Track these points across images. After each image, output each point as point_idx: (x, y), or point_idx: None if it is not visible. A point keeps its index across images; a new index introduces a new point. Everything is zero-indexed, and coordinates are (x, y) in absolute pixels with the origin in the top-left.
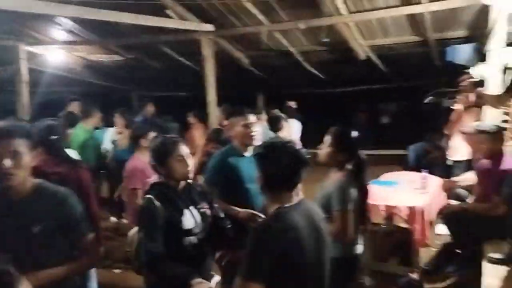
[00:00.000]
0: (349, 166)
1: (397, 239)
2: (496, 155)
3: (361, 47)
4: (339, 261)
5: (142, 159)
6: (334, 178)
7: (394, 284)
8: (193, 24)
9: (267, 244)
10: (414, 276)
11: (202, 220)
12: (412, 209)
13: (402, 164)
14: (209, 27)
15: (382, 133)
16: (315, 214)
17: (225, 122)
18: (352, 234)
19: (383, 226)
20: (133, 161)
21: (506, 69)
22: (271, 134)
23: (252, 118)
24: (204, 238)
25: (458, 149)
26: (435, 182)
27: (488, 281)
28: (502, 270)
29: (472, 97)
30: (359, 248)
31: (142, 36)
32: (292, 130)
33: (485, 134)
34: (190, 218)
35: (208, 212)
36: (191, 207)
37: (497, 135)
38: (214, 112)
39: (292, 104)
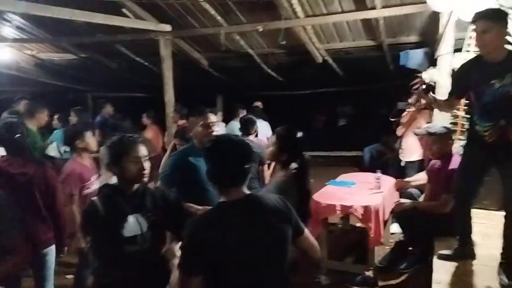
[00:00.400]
0: (292, 166)
1: (352, 238)
2: (445, 156)
3: (318, 50)
4: None
5: (80, 162)
6: (276, 175)
7: (350, 282)
8: (150, 24)
9: (202, 238)
10: (369, 273)
11: (150, 229)
12: (367, 209)
13: (358, 165)
14: (167, 27)
15: (339, 135)
16: (264, 209)
17: (180, 122)
18: None
19: (339, 226)
20: (70, 164)
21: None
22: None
23: (212, 117)
24: (151, 248)
25: (410, 150)
26: (388, 182)
27: (437, 276)
28: (450, 266)
29: (423, 100)
30: None
31: (97, 35)
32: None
33: (434, 136)
34: (135, 225)
35: (159, 219)
36: (139, 214)
37: (445, 136)
38: (172, 113)
39: (259, 104)
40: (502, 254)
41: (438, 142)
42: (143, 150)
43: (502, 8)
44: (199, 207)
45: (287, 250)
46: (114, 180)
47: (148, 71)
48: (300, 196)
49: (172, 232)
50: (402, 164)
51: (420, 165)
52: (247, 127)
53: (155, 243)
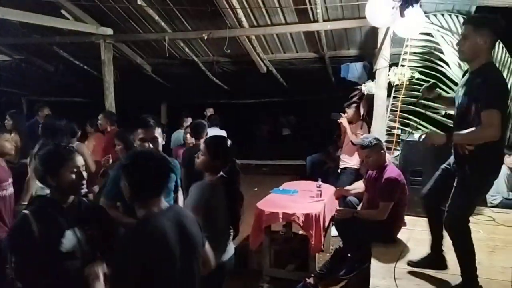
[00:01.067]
0: (222, 173)
1: (294, 246)
2: (379, 166)
3: (263, 60)
4: None
5: None
6: (204, 180)
7: None
8: (90, 27)
9: (133, 250)
10: (310, 280)
11: (88, 242)
12: (308, 216)
13: (301, 174)
14: (108, 30)
15: (282, 144)
16: (186, 219)
17: (109, 129)
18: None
19: (282, 234)
20: None
21: (391, 86)
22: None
23: (156, 131)
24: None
25: (346, 158)
26: (329, 190)
27: (374, 281)
28: (387, 271)
29: (361, 111)
30: (228, 254)
31: (34, 36)
32: None
33: (367, 149)
34: (73, 239)
35: (97, 232)
36: (76, 227)
37: (377, 148)
38: None
39: (211, 111)
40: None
41: (371, 154)
42: (81, 160)
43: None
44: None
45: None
46: (45, 191)
47: (89, 75)
48: (229, 202)
49: (100, 248)
50: (340, 172)
51: (356, 173)
52: (198, 131)
53: (95, 257)
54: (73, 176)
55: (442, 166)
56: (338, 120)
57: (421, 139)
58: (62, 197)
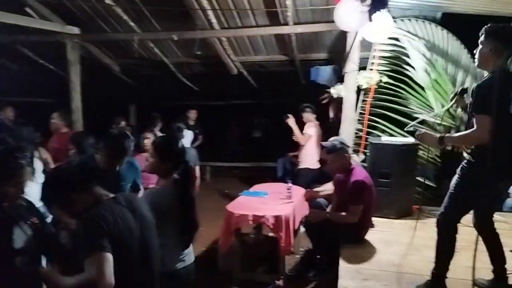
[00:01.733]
0: (174, 175)
1: (264, 248)
2: (345, 169)
3: (233, 62)
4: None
5: None
6: (158, 185)
7: None
8: (56, 25)
9: (98, 224)
10: (280, 282)
11: (34, 237)
12: (278, 218)
13: (272, 176)
14: (75, 29)
15: (253, 146)
16: (137, 204)
17: (63, 130)
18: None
19: (251, 236)
20: None
21: (359, 90)
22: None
23: None
24: (37, 257)
25: (303, 159)
26: (299, 192)
27: (343, 282)
28: (355, 272)
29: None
30: (183, 263)
31: None
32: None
33: (332, 154)
34: (21, 236)
35: (39, 226)
36: (21, 223)
37: (342, 151)
38: (79, 120)
39: (194, 113)
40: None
41: (336, 159)
42: (28, 173)
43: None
44: None
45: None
46: None
47: (55, 75)
48: (182, 206)
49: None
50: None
51: (313, 173)
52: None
53: (40, 251)
54: (14, 189)
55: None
56: (286, 121)
57: (416, 137)
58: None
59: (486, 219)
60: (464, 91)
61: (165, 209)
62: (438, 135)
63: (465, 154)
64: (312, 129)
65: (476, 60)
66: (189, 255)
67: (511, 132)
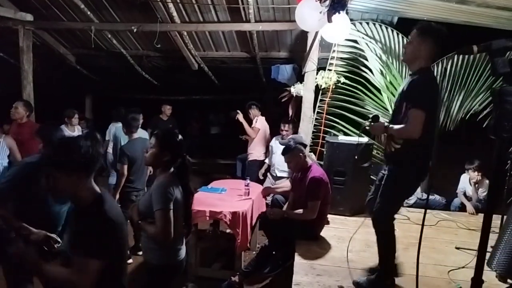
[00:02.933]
0: (173, 168)
1: (221, 244)
2: (302, 168)
3: (194, 57)
4: (163, 268)
5: None
6: (158, 178)
7: None
8: (8, 11)
9: (100, 225)
10: (235, 278)
11: None
12: (235, 215)
13: (230, 173)
14: (28, 16)
15: (212, 143)
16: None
17: (24, 120)
18: (172, 235)
19: (208, 232)
20: None
21: (318, 89)
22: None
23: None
24: None
25: (254, 150)
26: (257, 189)
27: (297, 278)
28: (308, 268)
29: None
30: (183, 254)
31: None
32: None
33: (286, 155)
34: None
35: None
36: None
37: (296, 151)
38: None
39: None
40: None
41: (291, 158)
42: None
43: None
44: (33, 230)
45: None
46: None
47: (4, 63)
48: (183, 199)
49: None
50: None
51: (259, 163)
52: (131, 126)
53: None
54: None
55: (380, 172)
56: (236, 118)
57: (367, 127)
58: None
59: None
60: (376, 117)
61: (179, 200)
62: (385, 123)
63: (385, 150)
64: (259, 123)
65: (405, 54)
66: (184, 247)
67: (433, 135)
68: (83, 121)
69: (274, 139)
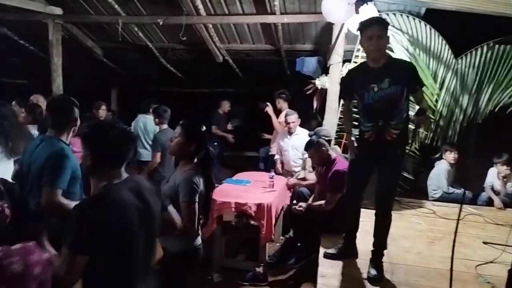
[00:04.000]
0: (197, 158)
1: (245, 236)
2: (326, 162)
3: (219, 50)
4: (180, 255)
5: None
6: (183, 169)
7: (241, 279)
8: (38, 5)
9: (93, 218)
10: (260, 269)
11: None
12: (260, 206)
13: (254, 165)
14: (57, 10)
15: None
16: (145, 188)
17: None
18: (197, 226)
19: (233, 224)
20: None
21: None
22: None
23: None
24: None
25: (272, 145)
26: (281, 181)
27: (322, 270)
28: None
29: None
30: (199, 241)
31: None
32: None
33: (309, 151)
34: None
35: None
36: None
37: (318, 146)
38: None
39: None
40: (372, 251)
41: (314, 153)
42: None
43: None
44: None
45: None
46: None
47: (35, 56)
48: (205, 189)
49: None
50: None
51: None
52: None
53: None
54: None
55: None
56: (265, 110)
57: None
58: None
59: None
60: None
61: (203, 192)
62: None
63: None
64: (282, 117)
65: (380, 50)
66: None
67: None
68: (109, 113)
69: (280, 135)
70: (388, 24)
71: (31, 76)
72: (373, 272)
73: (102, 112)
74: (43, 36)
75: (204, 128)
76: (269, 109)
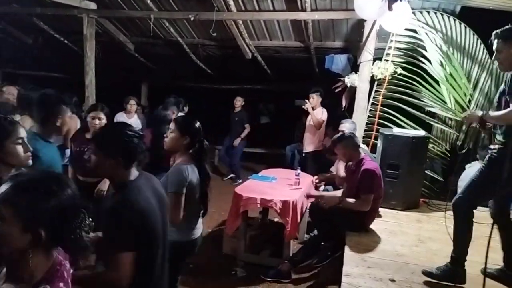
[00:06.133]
0: (191, 151)
1: (270, 232)
2: (354, 159)
3: (248, 46)
4: (175, 246)
5: None
6: (176, 161)
7: (265, 275)
8: (73, 0)
9: (127, 215)
10: (283, 266)
11: None
12: (285, 203)
13: (279, 163)
14: (92, 5)
15: (261, 132)
16: (156, 182)
17: None
18: (182, 217)
19: (258, 220)
20: None
21: (373, 80)
22: None
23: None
24: None
25: (307, 142)
26: (307, 179)
27: (347, 269)
28: (359, 259)
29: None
30: (198, 233)
31: (13, 5)
32: None
33: (339, 144)
34: None
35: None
36: None
37: (348, 142)
38: (92, 96)
39: (239, 101)
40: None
41: (344, 148)
42: (23, 132)
43: None
44: None
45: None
46: None
47: (68, 50)
48: (200, 182)
49: None
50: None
51: (316, 155)
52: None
53: None
54: (20, 147)
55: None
56: (303, 106)
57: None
58: (6, 170)
59: (505, 211)
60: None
61: (194, 183)
62: (480, 113)
63: (491, 145)
64: (324, 114)
65: (502, 65)
66: (201, 224)
67: None
68: (139, 107)
69: None
70: (507, 36)
71: (65, 69)
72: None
73: (133, 107)
74: (77, 30)
75: (198, 124)
76: (309, 106)
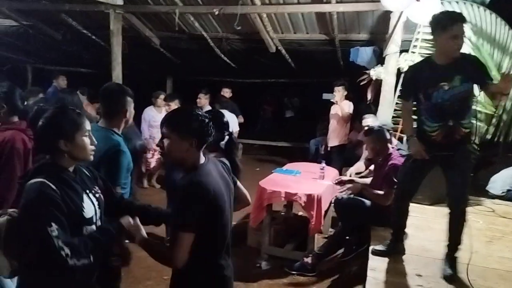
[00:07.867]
0: (221, 145)
1: (294, 226)
2: (382, 153)
3: (272, 40)
4: None
5: None
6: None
7: (289, 268)
8: None
9: (198, 196)
10: (308, 260)
11: (99, 206)
12: (310, 197)
13: (303, 157)
14: (119, 0)
15: (286, 126)
16: (222, 167)
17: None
18: None
19: (282, 213)
20: None
21: (400, 72)
22: None
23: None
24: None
25: (333, 136)
26: (332, 173)
27: (372, 263)
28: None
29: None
30: None
31: (43, 1)
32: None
33: (370, 136)
34: (90, 204)
35: (102, 197)
36: (87, 192)
37: (379, 135)
38: None
39: (227, 92)
40: (448, 246)
41: (373, 141)
42: (89, 124)
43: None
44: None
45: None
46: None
47: (96, 45)
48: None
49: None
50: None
51: (341, 149)
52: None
53: (104, 221)
54: (88, 140)
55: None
56: (332, 100)
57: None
58: (71, 163)
59: None
60: None
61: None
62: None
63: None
64: (350, 107)
65: (459, 49)
66: None
67: None
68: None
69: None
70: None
71: (92, 64)
72: (448, 270)
73: (161, 102)
74: (104, 26)
75: (225, 118)
76: (338, 99)
